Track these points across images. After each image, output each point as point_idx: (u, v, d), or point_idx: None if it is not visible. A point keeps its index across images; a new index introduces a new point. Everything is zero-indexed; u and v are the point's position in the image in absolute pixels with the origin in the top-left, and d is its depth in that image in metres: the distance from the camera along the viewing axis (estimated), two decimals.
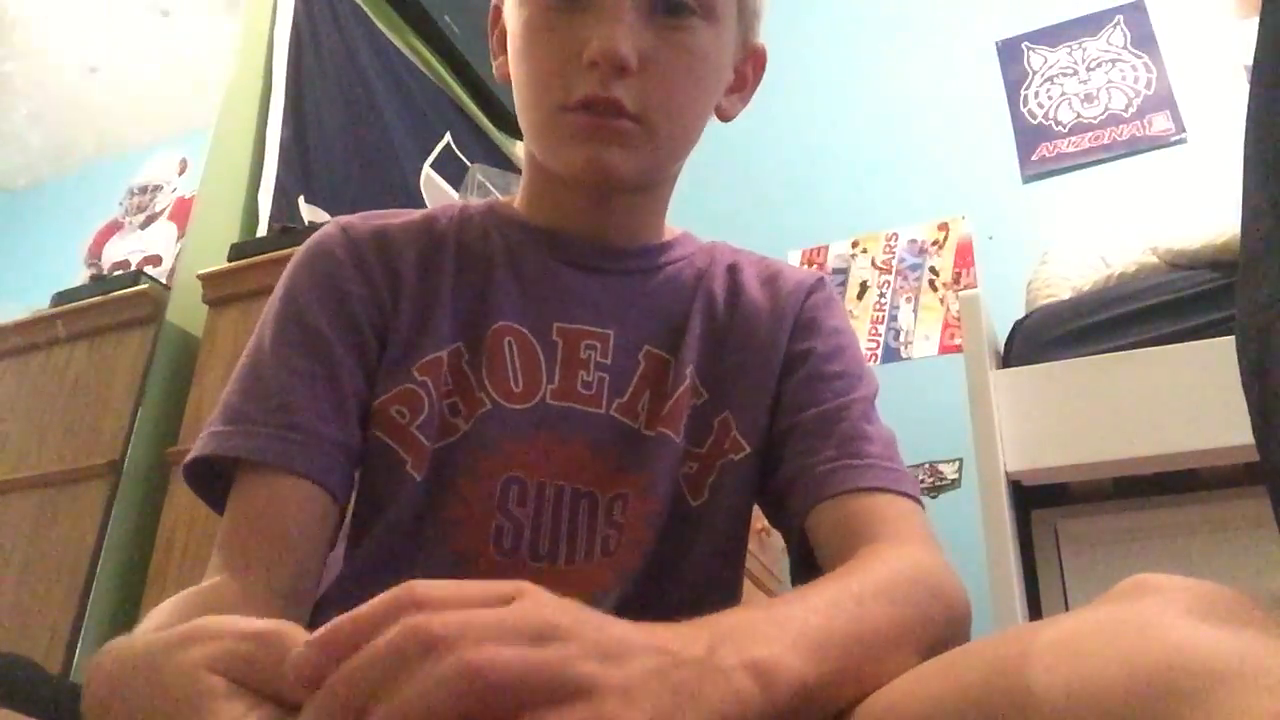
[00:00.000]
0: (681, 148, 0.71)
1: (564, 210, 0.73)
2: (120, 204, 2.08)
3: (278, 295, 0.69)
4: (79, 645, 1.48)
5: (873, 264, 2.82)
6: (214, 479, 0.63)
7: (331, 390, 0.64)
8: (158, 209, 2.04)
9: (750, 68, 0.75)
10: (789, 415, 0.70)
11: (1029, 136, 2.78)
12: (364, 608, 0.34)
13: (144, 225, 2.03)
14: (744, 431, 0.70)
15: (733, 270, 0.77)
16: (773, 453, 0.70)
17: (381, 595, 0.34)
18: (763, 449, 0.70)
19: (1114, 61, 2.79)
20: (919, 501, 0.66)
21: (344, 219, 0.73)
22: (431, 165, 2.38)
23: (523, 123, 0.70)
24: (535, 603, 0.35)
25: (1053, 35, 2.90)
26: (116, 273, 1.96)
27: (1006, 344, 1.76)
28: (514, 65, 0.69)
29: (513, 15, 0.69)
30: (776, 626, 0.42)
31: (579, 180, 0.68)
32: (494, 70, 0.75)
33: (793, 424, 0.69)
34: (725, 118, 0.75)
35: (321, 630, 0.34)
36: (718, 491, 0.68)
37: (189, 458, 0.62)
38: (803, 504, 0.65)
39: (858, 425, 0.68)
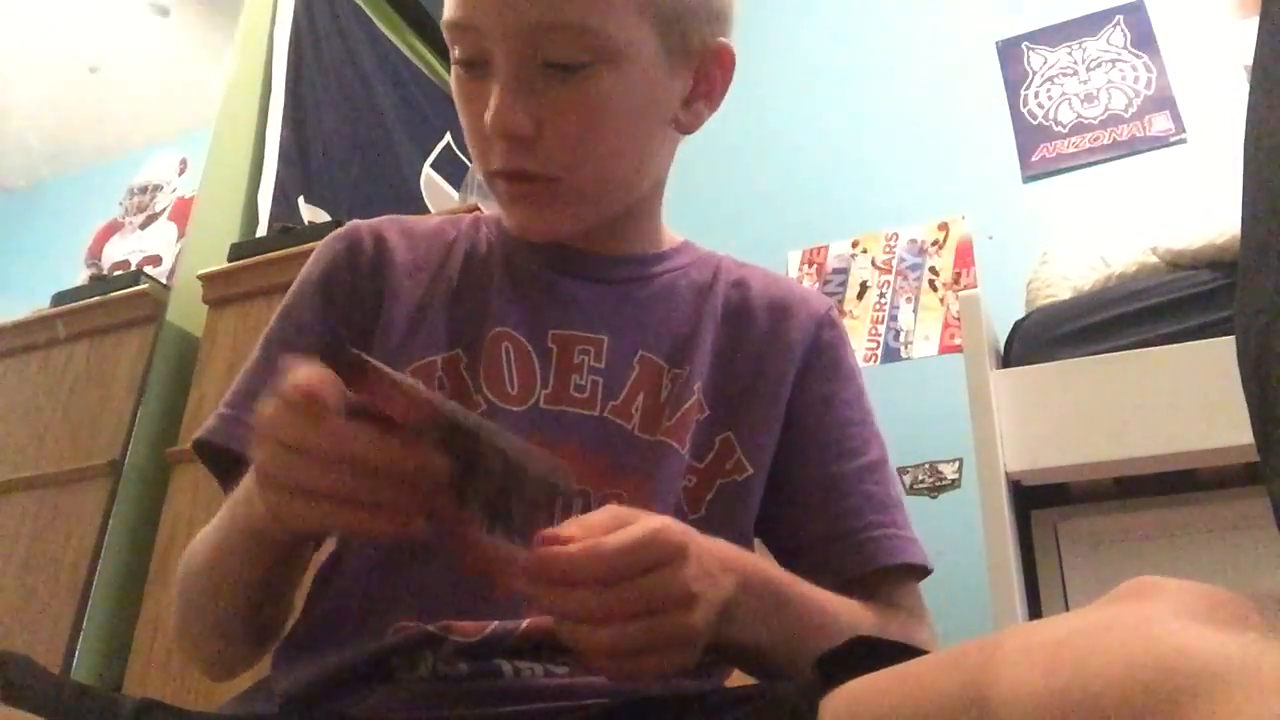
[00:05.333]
0: (625, 186, 0.70)
1: None
2: (120, 204, 2.08)
3: (292, 286, 0.74)
4: (79, 645, 1.48)
5: (873, 264, 2.82)
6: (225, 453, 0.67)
7: None
8: (158, 209, 2.04)
9: (715, 69, 0.71)
10: (818, 464, 0.72)
11: (1029, 137, 2.78)
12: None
13: (144, 225, 2.03)
14: (748, 454, 0.70)
15: (740, 287, 0.77)
16: (790, 485, 0.71)
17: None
18: (768, 475, 0.71)
19: (1114, 62, 2.79)
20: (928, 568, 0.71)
21: (358, 221, 0.76)
22: (431, 165, 2.38)
23: None
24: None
25: (1053, 35, 2.90)
26: (116, 273, 1.96)
27: (1006, 344, 1.76)
28: None
29: None
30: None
31: (524, 238, 0.71)
32: None
33: (826, 475, 0.71)
34: (688, 130, 0.72)
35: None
36: (716, 509, 0.69)
37: (194, 437, 0.68)
38: (839, 569, 0.68)
39: (887, 490, 0.72)
